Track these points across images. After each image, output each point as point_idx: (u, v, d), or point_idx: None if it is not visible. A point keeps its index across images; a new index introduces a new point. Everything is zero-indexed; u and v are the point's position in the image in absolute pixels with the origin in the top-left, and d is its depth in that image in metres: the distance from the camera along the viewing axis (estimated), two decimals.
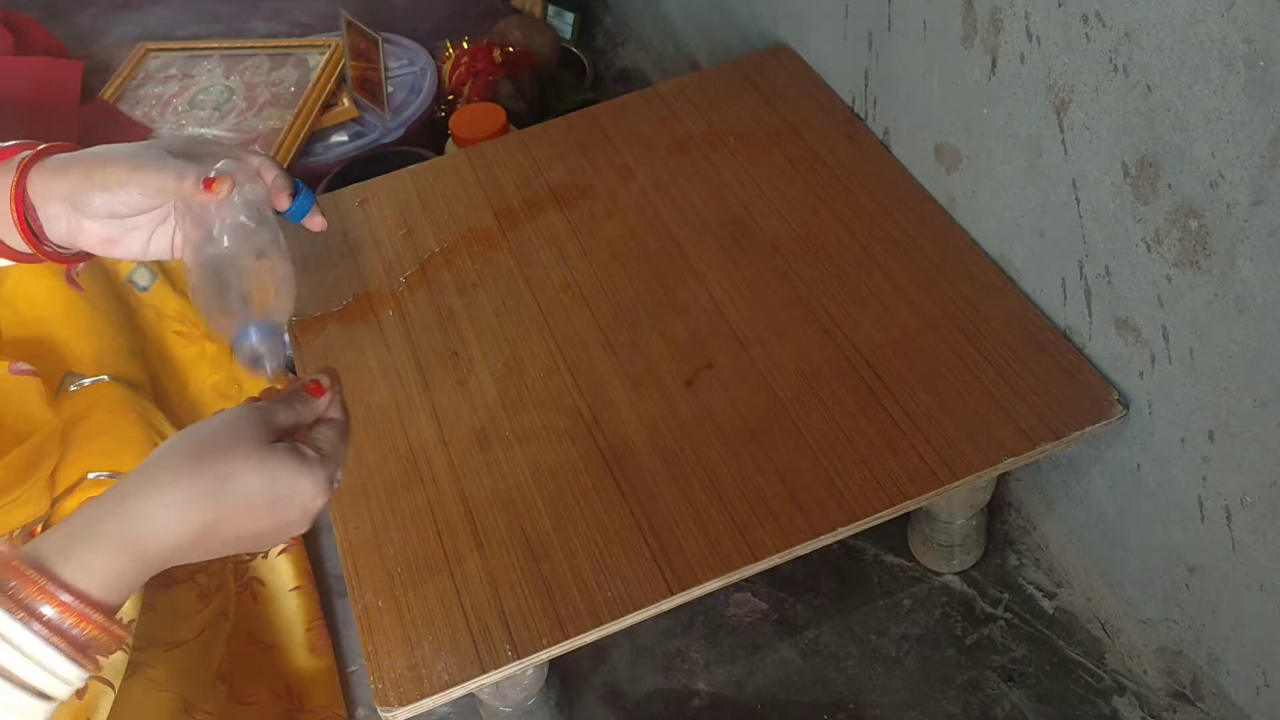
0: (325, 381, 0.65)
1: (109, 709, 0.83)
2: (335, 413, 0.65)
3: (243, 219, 0.65)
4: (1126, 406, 0.92)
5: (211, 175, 0.63)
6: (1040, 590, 1.12)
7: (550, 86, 1.74)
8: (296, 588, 1.16)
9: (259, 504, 0.58)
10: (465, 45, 1.74)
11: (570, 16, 1.92)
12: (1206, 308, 0.81)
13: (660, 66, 1.87)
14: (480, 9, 2.02)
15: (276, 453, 0.59)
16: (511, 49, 1.70)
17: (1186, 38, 0.73)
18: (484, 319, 1.06)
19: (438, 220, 1.18)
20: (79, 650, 0.53)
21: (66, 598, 0.52)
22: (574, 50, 1.85)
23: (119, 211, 0.66)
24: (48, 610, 0.52)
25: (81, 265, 1.06)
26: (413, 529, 0.91)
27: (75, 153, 0.66)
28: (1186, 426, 0.87)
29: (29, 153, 0.66)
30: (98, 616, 0.53)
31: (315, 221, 0.72)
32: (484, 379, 1.01)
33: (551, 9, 1.93)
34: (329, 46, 1.70)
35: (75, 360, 1.03)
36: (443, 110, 1.74)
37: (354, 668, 1.14)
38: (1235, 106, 0.71)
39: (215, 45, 1.79)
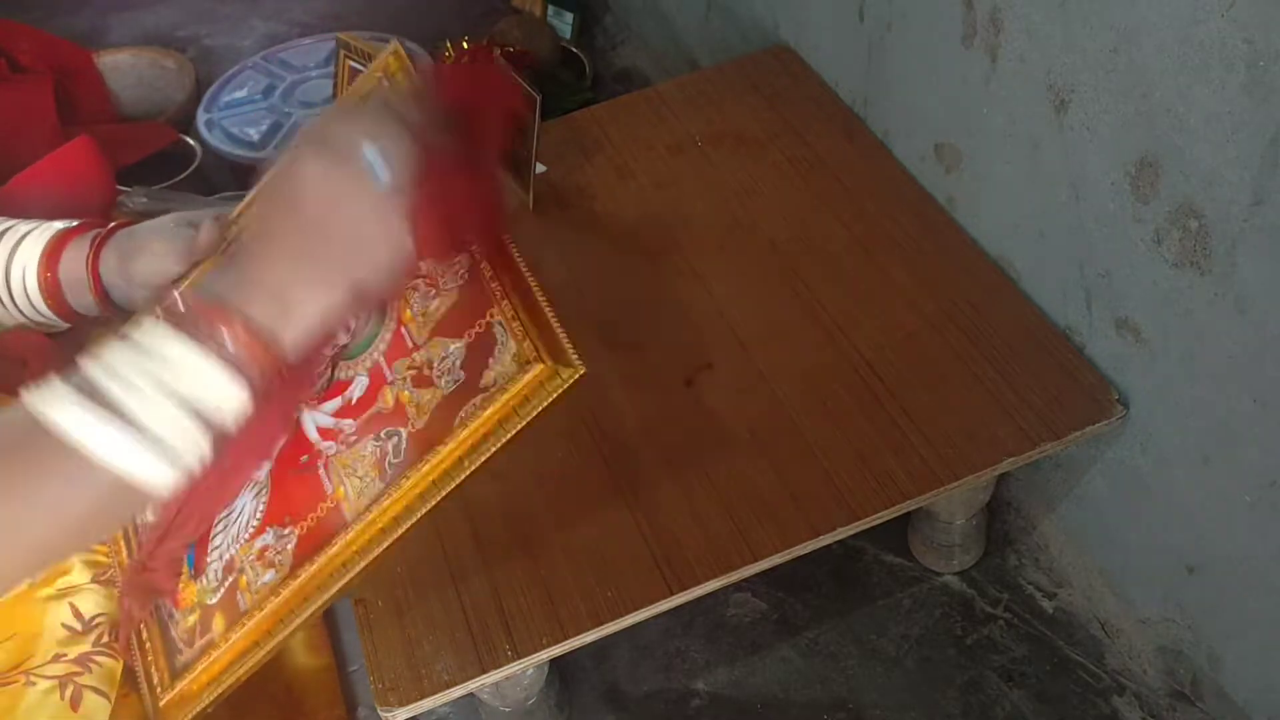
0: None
1: (105, 718, 0.83)
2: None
3: None
4: (1126, 406, 0.92)
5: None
6: (1040, 590, 1.12)
7: (550, 86, 1.74)
8: None
9: (293, 187, 0.59)
10: (465, 45, 1.74)
11: (570, 16, 1.92)
12: (1206, 308, 0.81)
13: (660, 66, 1.87)
14: (480, 9, 2.02)
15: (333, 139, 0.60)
16: (511, 49, 1.70)
17: (1186, 38, 0.73)
18: None
19: None
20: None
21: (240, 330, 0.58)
22: (574, 50, 1.85)
23: (156, 282, 0.79)
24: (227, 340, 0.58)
25: None
26: (413, 529, 0.91)
27: (126, 232, 0.80)
28: (1186, 426, 0.87)
29: (100, 231, 0.80)
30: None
31: None
32: None
33: (551, 9, 1.93)
34: None
35: None
36: None
37: (354, 668, 1.14)
38: (1235, 106, 0.71)
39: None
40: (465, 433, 0.67)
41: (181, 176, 1.65)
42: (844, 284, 1.05)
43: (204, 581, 0.78)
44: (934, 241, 1.08)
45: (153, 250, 0.78)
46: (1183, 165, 0.78)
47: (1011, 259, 1.04)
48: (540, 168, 1.19)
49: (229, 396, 0.58)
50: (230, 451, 0.66)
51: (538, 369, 0.65)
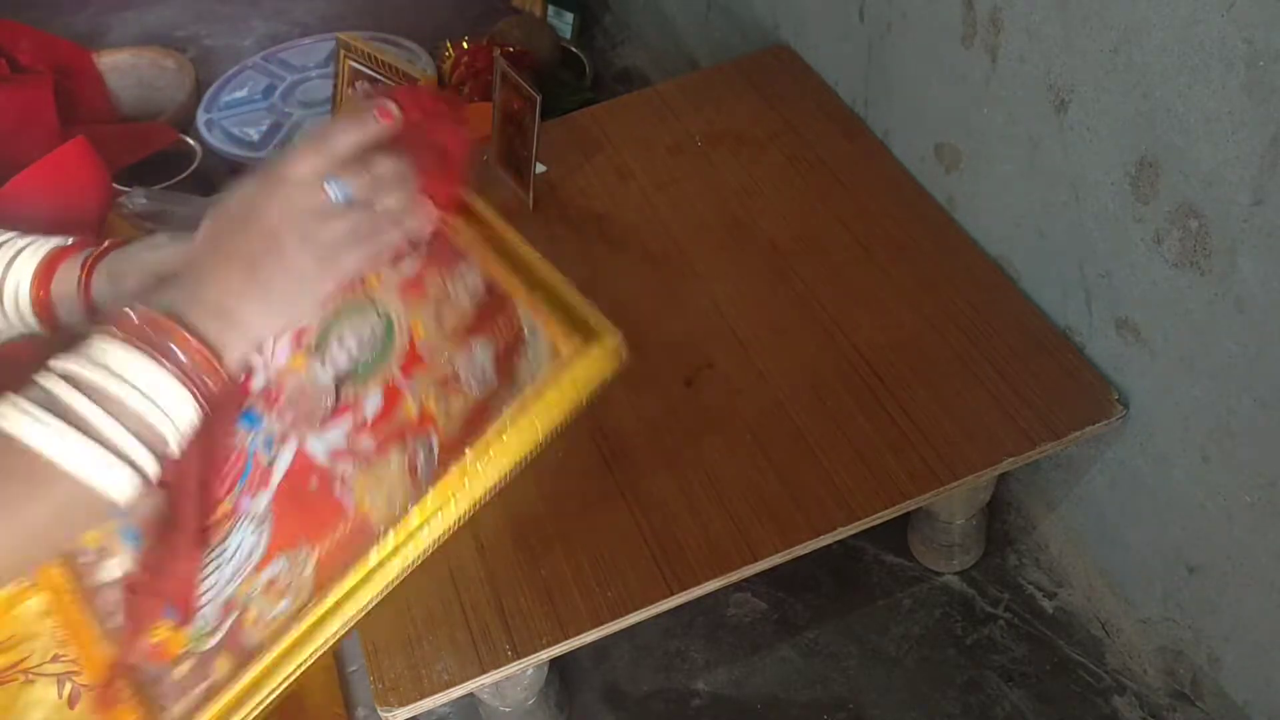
0: (394, 110, 0.63)
1: None
2: (387, 162, 0.64)
3: None
4: (1126, 406, 0.92)
5: None
6: (1040, 590, 1.12)
7: (550, 86, 1.74)
8: None
9: (244, 207, 0.62)
10: (465, 45, 1.74)
11: (570, 16, 1.92)
12: (1206, 308, 0.81)
13: (660, 66, 1.87)
14: (480, 9, 2.02)
15: (275, 165, 0.62)
16: (511, 49, 1.70)
17: (1186, 38, 0.73)
18: None
19: None
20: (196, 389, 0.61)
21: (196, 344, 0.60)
22: (574, 50, 1.85)
23: None
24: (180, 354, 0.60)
25: None
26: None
27: (119, 252, 0.80)
28: (1186, 426, 0.87)
29: (93, 250, 0.79)
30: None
31: None
32: None
33: (551, 9, 1.93)
34: None
35: None
36: None
37: (354, 668, 1.14)
38: (1235, 106, 0.71)
39: None
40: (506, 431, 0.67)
41: (181, 176, 1.66)
42: (844, 284, 1.05)
43: (196, 626, 0.73)
44: (934, 241, 1.08)
45: (142, 269, 0.78)
46: (1183, 165, 0.78)
47: (1011, 259, 1.04)
48: (540, 168, 1.19)
49: (179, 404, 0.60)
50: (178, 474, 0.68)
51: (578, 355, 0.65)
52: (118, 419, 0.58)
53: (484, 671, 0.81)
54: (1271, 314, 0.75)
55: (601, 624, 0.83)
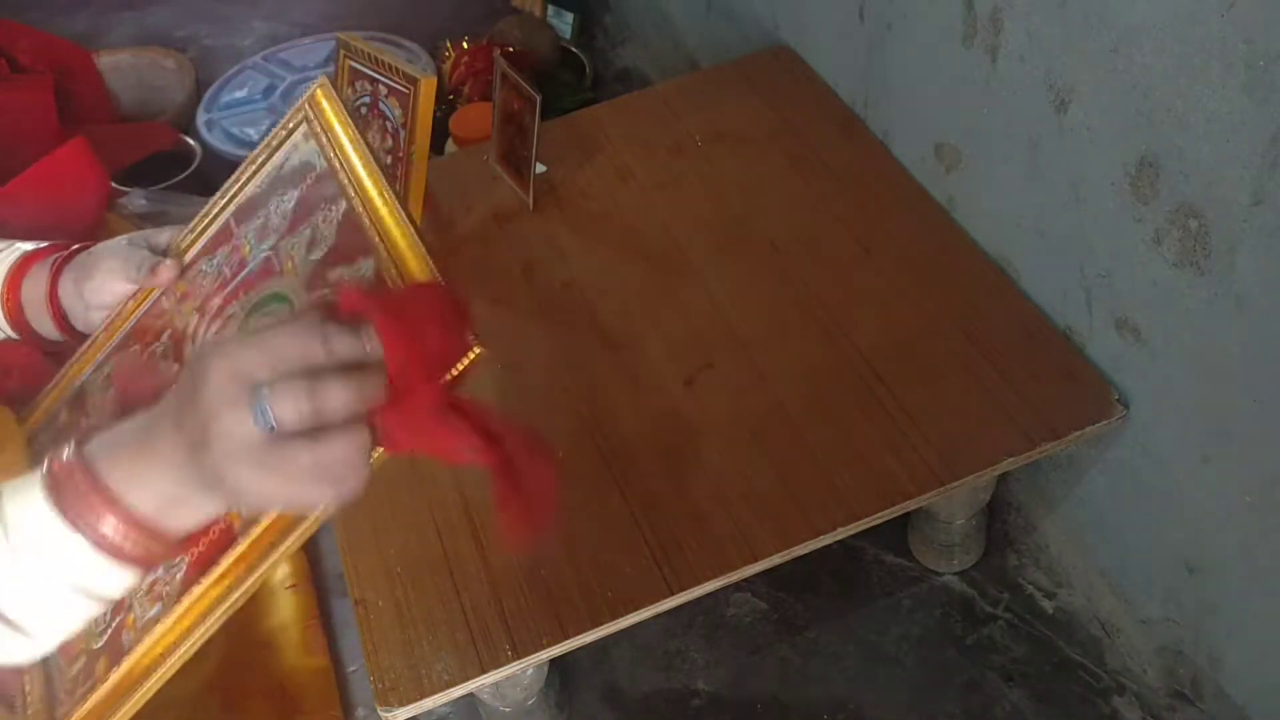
0: (369, 334, 0.51)
1: None
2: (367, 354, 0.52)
3: None
4: (1126, 406, 0.92)
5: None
6: (1040, 590, 1.12)
7: (550, 86, 1.74)
8: (292, 585, 1.16)
9: (184, 398, 0.52)
10: (465, 45, 1.74)
11: (570, 16, 1.92)
12: (1206, 308, 0.81)
13: (660, 66, 1.87)
14: (480, 9, 2.02)
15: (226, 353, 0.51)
16: (511, 49, 1.70)
17: (1186, 38, 0.73)
18: (483, 319, 1.06)
19: (437, 220, 1.18)
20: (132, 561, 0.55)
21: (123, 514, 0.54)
22: (574, 50, 1.85)
23: (110, 302, 0.78)
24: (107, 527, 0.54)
25: None
26: (413, 529, 0.91)
27: (85, 254, 0.79)
28: (1186, 426, 0.87)
29: (61, 254, 0.79)
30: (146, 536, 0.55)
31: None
32: (483, 379, 1.01)
33: (551, 9, 1.93)
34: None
35: None
36: (442, 110, 1.74)
37: (354, 668, 1.14)
38: (1235, 106, 0.71)
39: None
40: None
41: (181, 176, 1.66)
42: (844, 284, 1.05)
43: (91, 625, 0.70)
44: (934, 241, 1.08)
45: (105, 269, 0.78)
46: (1183, 165, 0.78)
47: (1011, 259, 1.03)
48: (540, 168, 1.19)
49: (107, 576, 0.56)
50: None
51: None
52: (34, 592, 0.55)
53: (484, 671, 0.81)
54: (1271, 314, 0.75)
55: (601, 624, 0.83)
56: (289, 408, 0.49)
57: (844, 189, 1.15)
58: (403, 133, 1.05)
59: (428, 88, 1.02)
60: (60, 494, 0.54)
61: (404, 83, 1.04)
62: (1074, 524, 1.08)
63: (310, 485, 0.51)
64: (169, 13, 2.16)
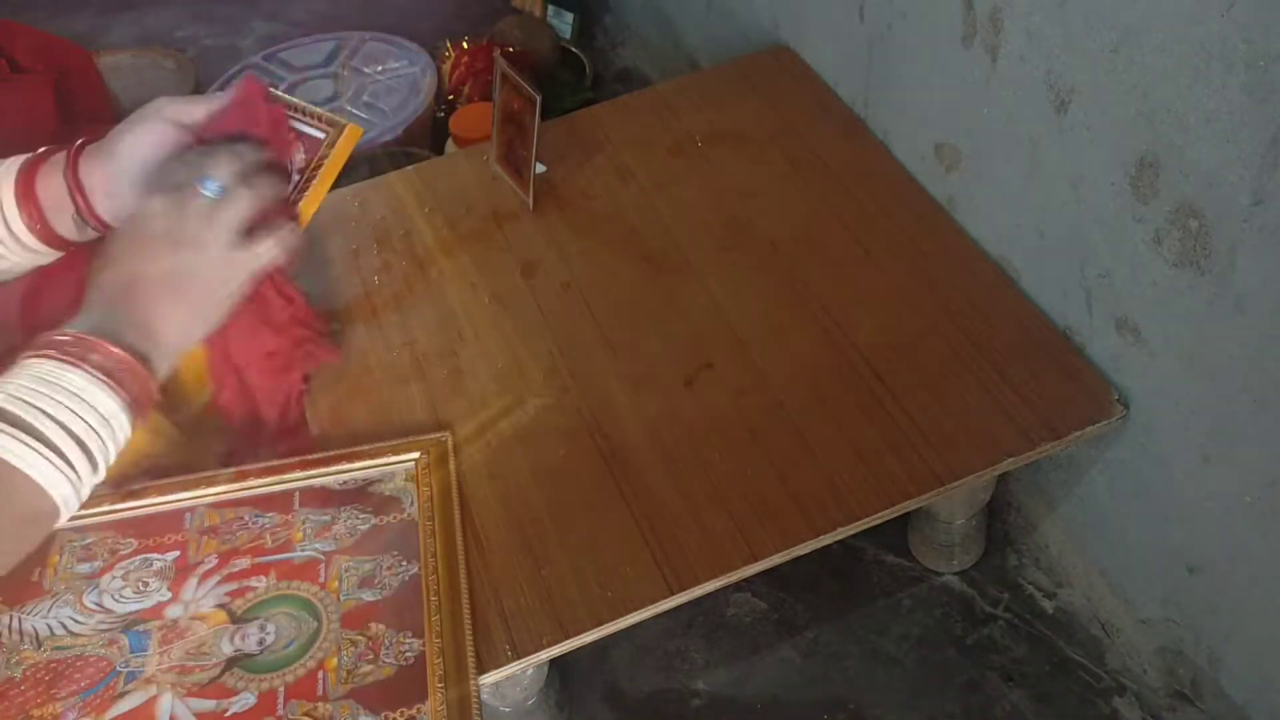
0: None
1: None
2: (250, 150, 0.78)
3: None
4: (1126, 406, 0.92)
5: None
6: (1040, 590, 1.12)
7: (550, 86, 1.74)
8: None
9: (137, 231, 0.74)
10: (465, 45, 1.74)
11: (570, 16, 1.92)
12: (1206, 308, 0.81)
13: (660, 66, 1.87)
14: (480, 9, 2.02)
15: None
16: (511, 49, 1.70)
17: (1186, 38, 0.73)
18: (484, 318, 1.06)
19: (437, 220, 1.18)
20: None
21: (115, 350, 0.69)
22: (574, 50, 1.85)
23: (150, 155, 0.80)
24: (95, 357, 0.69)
25: None
26: None
27: (102, 140, 0.81)
28: (1186, 426, 0.87)
29: (71, 146, 0.81)
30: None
31: None
32: (484, 378, 1.01)
33: (551, 9, 1.93)
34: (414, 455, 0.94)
35: None
36: (442, 110, 1.74)
37: None
38: (1235, 106, 0.71)
39: None
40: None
41: None
42: (844, 284, 1.05)
43: None
44: (934, 241, 1.08)
45: (135, 126, 0.80)
46: (1183, 165, 0.78)
47: (1011, 259, 1.04)
48: (540, 168, 1.19)
49: (113, 411, 0.69)
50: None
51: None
52: (59, 426, 0.66)
53: (484, 671, 0.81)
54: (1271, 314, 0.75)
55: (601, 624, 0.83)
56: (224, 171, 0.74)
57: (844, 189, 1.15)
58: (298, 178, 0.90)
59: (351, 134, 0.93)
60: (64, 353, 0.68)
61: (324, 126, 0.93)
62: (1074, 524, 1.08)
63: (259, 210, 0.76)
64: (169, 13, 2.16)
